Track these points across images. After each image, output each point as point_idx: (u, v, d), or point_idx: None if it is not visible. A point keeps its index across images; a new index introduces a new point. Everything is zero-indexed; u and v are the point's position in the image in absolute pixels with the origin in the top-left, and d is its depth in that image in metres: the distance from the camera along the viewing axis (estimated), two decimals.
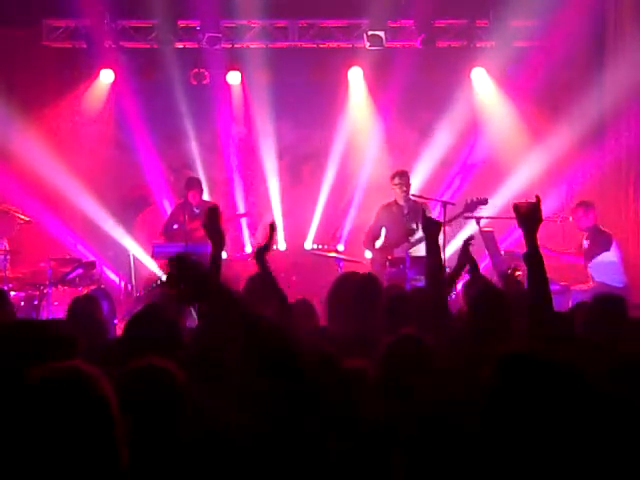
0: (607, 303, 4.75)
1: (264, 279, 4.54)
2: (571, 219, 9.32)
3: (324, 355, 2.92)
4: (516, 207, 4.14)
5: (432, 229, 4.77)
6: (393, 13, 10.77)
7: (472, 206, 8.54)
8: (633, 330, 4.49)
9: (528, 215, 4.10)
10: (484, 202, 8.51)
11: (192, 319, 9.24)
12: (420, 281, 8.34)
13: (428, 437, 2.84)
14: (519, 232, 4.11)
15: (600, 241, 8.82)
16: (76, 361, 2.24)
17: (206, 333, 4.21)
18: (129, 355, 3.55)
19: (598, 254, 8.76)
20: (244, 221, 11.47)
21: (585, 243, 8.97)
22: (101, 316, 5.12)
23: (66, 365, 2.19)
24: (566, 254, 9.15)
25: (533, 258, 3.95)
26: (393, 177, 9.16)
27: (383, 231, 9.19)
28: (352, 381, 2.90)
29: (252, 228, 11.72)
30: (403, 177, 9.14)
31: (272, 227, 4.78)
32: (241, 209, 11.49)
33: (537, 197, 4.19)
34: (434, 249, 4.68)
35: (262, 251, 4.63)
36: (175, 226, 10.07)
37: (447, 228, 8.19)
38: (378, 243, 9.18)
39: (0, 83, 10.64)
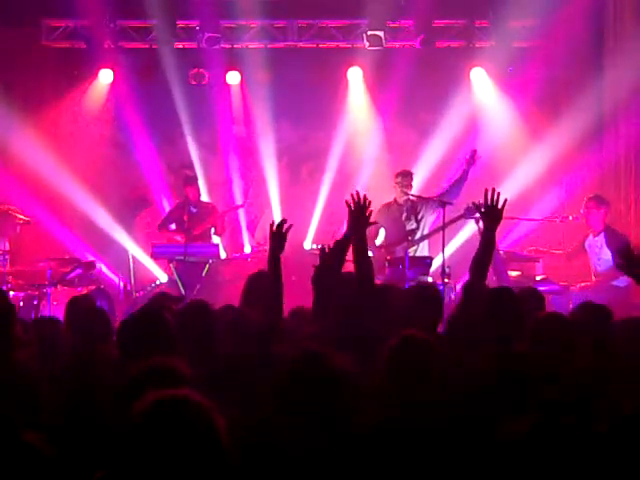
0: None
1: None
2: (572, 217, 9.30)
3: (316, 355, 2.92)
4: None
5: (493, 218, 4.74)
6: (392, 13, 10.77)
7: (472, 211, 8.53)
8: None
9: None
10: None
11: None
12: (419, 281, 8.33)
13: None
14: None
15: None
16: (185, 390, 2.16)
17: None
18: (124, 356, 3.55)
19: None
20: (243, 219, 11.47)
21: (592, 242, 8.90)
22: (100, 315, 5.11)
23: (176, 395, 2.12)
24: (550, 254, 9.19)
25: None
26: (397, 176, 9.19)
27: (382, 231, 9.19)
28: (345, 381, 2.89)
29: (251, 228, 11.71)
30: (406, 177, 9.16)
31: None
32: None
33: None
34: (489, 242, 4.67)
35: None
36: (173, 226, 10.07)
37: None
38: (378, 241, 9.19)
39: None
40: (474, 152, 9.03)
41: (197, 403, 2.10)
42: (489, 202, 4.82)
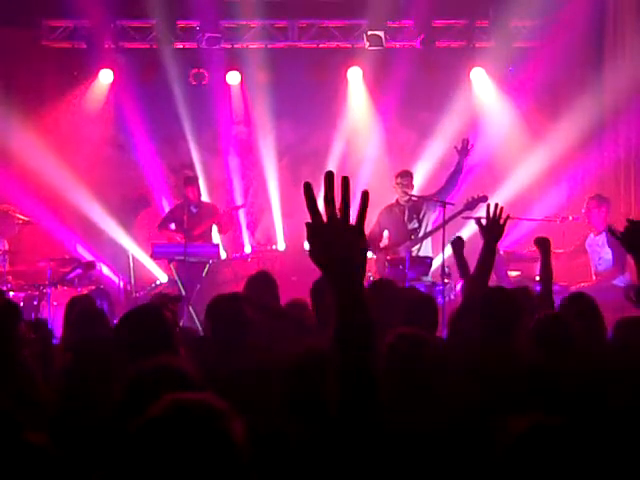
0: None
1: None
2: (572, 217, 9.29)
3: (322, 354, 2.92)
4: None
5: (493, 233, 4.73)
6: (392, 13, 10.77)
7: (472, 204, 8.53)
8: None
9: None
10: (484, 199, 8.48)
11: (191, 320, 9.26)
12: (420, 281, 8.34)
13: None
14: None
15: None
16: (206, 394, 2.10)
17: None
18: (123, 355, 3.55)
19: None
20: (243, 219, 11.47)
21: (593, 241, 8.89)
22: (100, 315, 5.11)
23: (196, 399, 2.05)
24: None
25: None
26: (397, 176, 9.17)
27: (386, 233, 9.17)
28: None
29: (251, 228, 11.72)
30: (406, 177, 9.13)
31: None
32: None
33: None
34: (488, 257, 4.66)
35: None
36: (173, 226, 10.07)
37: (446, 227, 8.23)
38: (382, 243, 9.19)
39: None
40: (466, 141, 8.96)
41: (216, 408, 2.06)
42: (491, 217, 4.78)
